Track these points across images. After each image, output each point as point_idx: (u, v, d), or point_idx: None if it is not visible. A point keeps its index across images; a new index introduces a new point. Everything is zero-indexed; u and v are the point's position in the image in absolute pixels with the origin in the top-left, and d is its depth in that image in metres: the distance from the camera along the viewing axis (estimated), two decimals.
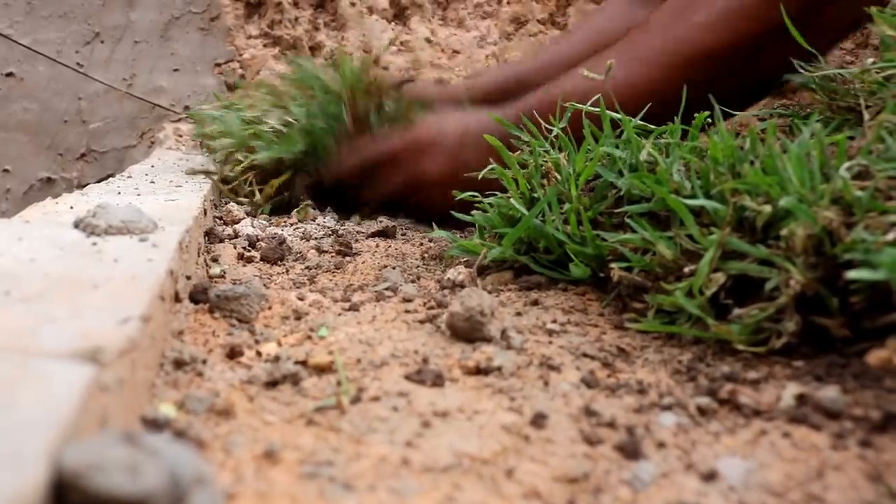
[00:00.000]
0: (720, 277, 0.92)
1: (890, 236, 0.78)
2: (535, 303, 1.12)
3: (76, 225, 1.05)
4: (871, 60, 1.17)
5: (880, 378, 0.82)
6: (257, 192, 1.67)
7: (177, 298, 0.97)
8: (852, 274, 0.80)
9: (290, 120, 1.66)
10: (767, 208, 0.92)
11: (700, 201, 1.01)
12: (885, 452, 0.69)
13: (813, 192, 0.88)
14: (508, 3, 2.59)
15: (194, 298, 1.04)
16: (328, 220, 1.58)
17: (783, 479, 0.66)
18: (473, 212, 1.39)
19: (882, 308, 0.84)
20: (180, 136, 2.08)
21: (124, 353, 0.61)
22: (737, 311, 0.90)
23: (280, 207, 1.72)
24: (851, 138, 1.02)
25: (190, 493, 0.45)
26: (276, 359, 0.88)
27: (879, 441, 0.71)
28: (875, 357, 0.71)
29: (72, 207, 1.21)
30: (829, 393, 0.78)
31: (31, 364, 0.54)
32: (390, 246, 1.52)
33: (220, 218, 1.60)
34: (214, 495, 0.48)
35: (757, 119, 1.30)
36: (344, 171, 1.57)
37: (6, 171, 2.65)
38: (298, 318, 1.04)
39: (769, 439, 0.72)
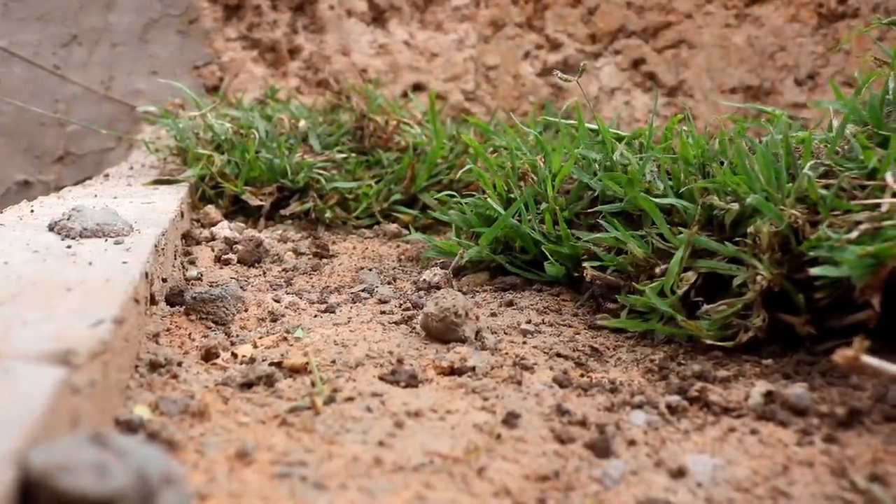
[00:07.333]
0: (691, 276, 0.93)
1: (853, 234, 0.80)
2: (511, 303, 1.13)
3: (51, 228, 1.05)
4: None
5: (847, 375, 0.83)
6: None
7: (152, 301, 0.97)
8: (815, 271, 0.81)
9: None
10: (735, 206, 0.94)
11: (670, 200, 1.02)
12: (849, 447, 0.70)
13: (779, 190, 0.89)
14: (486, 6, 2.60)
15: (170, 301, 1.04)
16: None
17: (750, 474, 0.67)
18: (451, 211, 1.40)
19: (847, 306, 0.85)
20: (159, 138, 2.07)
21: (96, 356, 0.61)
22: (706, 307, 0.91)
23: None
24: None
25: (159, 493, 0.46)
26: (252, 360, 0.89)
27: (844, 437, 0.72)
28: (841, 355, 0.72)
29: (48, 209, 1.20)
30: (797, 390, 0.79)
31: (1, 366, 0.54)
32: (367, 248, 1.53)
33: (198, 220, 1.60)
34: (184, 495, 0.48)
35: (731, 121, 1.32)
36: None
37: None
38: (274, 320, 1.05)
39: (737, 436, 0.74)
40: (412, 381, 0.83)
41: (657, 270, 0.98)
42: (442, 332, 0.95)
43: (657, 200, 1.02)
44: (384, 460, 0.66)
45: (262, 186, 1.70)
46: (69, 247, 0.95)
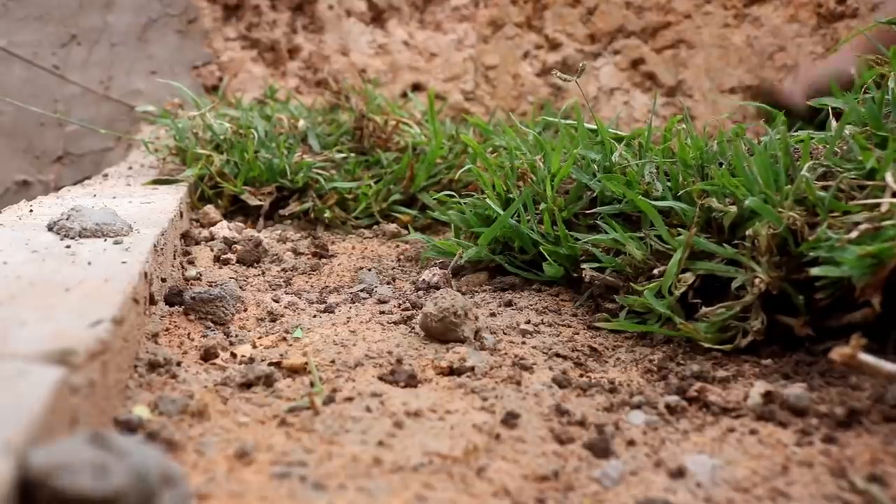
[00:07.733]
0: (689, 278, 0.93)
1: (853, 234, 0.80)
2: (510, 303, 1.13)
3: (50, 228, 1.05)
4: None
5: (846, 375, 0.83)
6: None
7: (151, 301, 0.97)
8: (816, 271, 0.81)
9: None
10: (733, 209, 0.94)
11: (668, 202, 1.02)
12: (848, 448, 0.71)
13: (778, 192, 0.89)
14: (486, 6, 2.60)
15: (169, 301, 1.04)
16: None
17: (749, 474, 0.67)
18: (450, 211, 1.40)
19: (847, 305, 0.85)
20: (158, 138, 2.07)
21: (95, 356, 0.61)
22: (703, 310, 0.91)
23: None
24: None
25: (158, 493, 0.46)
26: (251, 360, 0.89)
27: (843, 437, 0.72)
28: (837, 353, 0.72)
29: (47, 209, 1.20)
30: (795, 390, 0.79)
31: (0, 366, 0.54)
32: (366, 248, 1.53)
33: (197, 220, 1.60)
34: (183, 495, 0.48)
35: (731, 122, 1.32)
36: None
37: None
38: (273, 320, 1.04)
39: (736, 436, 0.74)
40: (411, 381, 0.83)
41: (655, 272, 0.98)
42: (441, 332, 0.95)
43: (656, 203, 1.02)
44: (383, 460, 0.66)
45: (261, 186, 1.70)
46: (68, 247, 0.95)
